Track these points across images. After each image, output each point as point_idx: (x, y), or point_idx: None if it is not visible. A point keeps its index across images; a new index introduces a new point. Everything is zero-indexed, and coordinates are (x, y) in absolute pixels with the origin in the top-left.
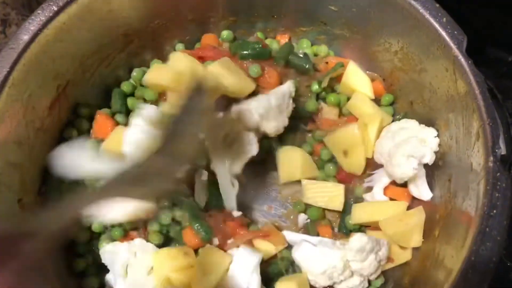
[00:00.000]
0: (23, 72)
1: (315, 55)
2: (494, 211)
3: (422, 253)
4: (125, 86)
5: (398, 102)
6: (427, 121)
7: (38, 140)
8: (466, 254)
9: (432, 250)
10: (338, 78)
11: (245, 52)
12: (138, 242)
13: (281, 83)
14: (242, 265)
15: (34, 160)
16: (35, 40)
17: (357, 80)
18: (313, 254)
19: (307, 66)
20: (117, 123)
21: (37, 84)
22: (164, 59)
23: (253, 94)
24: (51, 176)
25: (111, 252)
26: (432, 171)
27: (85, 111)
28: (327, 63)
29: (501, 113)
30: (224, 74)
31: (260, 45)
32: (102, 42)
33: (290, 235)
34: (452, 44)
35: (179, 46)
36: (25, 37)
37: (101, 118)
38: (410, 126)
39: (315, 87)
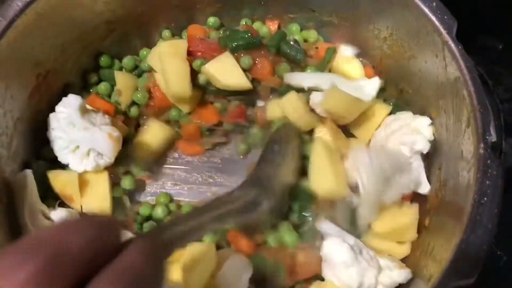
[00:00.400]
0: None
1: (305, 40)
2: (485, 198)
3: (412, 244)
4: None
5: (388, 90)
6: (418, 109)
7: (17, 131)
8: (457, 242)
9: (422, 240)
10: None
11: (235, 43)
12: None
13: (274, 72)
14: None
15: (13, 150)
16: (12, 26)
17: (349, 65)
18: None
19: (298, 56)
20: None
21: (15, 72)
22: (151, 46)
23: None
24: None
25: None
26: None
27: None
28: (317, 48)
29: (491, 99)
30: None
31: (250, 34)
32: (84, 30)
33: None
34: (442, 29)
35: (166, 33)
36: (2, 23)
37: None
38: (403, 117)
39: None
